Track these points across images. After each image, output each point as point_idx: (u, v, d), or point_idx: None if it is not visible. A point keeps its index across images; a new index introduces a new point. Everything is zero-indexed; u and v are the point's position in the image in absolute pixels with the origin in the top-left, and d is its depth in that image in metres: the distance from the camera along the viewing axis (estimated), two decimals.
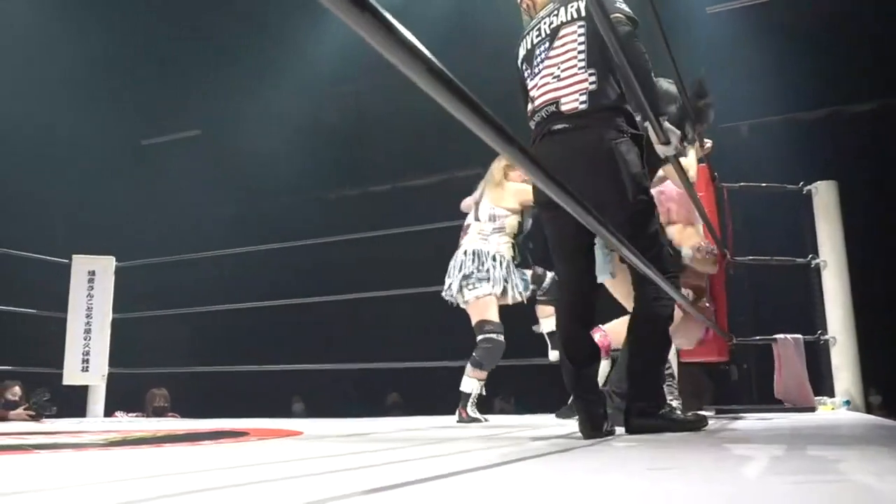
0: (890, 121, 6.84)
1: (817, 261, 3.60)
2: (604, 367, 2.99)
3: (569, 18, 2.11)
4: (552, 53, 2.11)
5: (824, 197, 3.65)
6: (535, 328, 3.53)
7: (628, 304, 2.82)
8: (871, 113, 6.96)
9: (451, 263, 3.45)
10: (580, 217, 1.17)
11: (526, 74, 2.21)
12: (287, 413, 7.12)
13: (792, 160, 5.85)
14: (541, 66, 2.14)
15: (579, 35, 2.08)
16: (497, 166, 3.47)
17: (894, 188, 6.53)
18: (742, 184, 3.70)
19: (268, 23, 7.07)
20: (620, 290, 2.63)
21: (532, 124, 2.17)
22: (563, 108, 2.05)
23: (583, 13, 2.10)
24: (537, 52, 2.16)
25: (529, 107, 2.18)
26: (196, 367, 5.56)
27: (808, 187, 3.70)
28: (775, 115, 7.16)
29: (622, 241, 1.39)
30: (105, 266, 4.79)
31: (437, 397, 6.26)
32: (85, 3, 6.88)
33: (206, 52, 7.62)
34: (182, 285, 6.58)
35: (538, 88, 2.13)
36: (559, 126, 2.06)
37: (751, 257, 3.80)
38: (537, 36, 2.18)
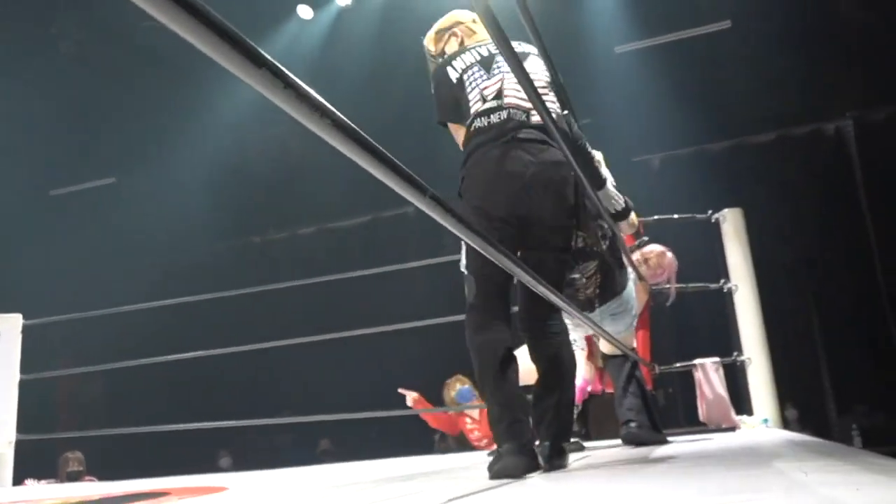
0: (789, 149, 7.29)
1: (729, 285, 3.76)
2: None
3: (529, 52, 2.13)
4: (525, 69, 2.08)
5: (732, 224, 3.82)
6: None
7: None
8: (772, 143, 7.40)
9: None
10: (496, 259, 1.19)
11: (476, 76, 2.09)
12: (214, 468, 6.84)
13: (701, 189, 6.14)
14: (503, 71, 2.05)
15: (542, 67, 2.12)
16: None
17: (796, 212, 6.94)
18: (656, 217, 3.85)
19: (185, 66, 6.95)
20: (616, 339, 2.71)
21: (483, 122, 2.02)
22: (534, 118, 1.99)
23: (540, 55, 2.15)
24: (499, 58, 2.08)
25: (479, 104, 2.05)
26: (110, 430, 5.27)
27: (716, 215, 3.87)
28: (684, 148, 7.52)
29: (540, 281, 1.41)
30: (11, 325, 4.52)
31: (370, 440, 6.17)
32: None
33: (119, 96, 7.41)
34: (97, 342, 6.28)
35: (505, 89, 2.04)
36: (529, 135, 1.98)
37: (666, 284, 3.93)
38: (495, 49, 2.11)
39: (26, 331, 4.58)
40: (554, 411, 1.97)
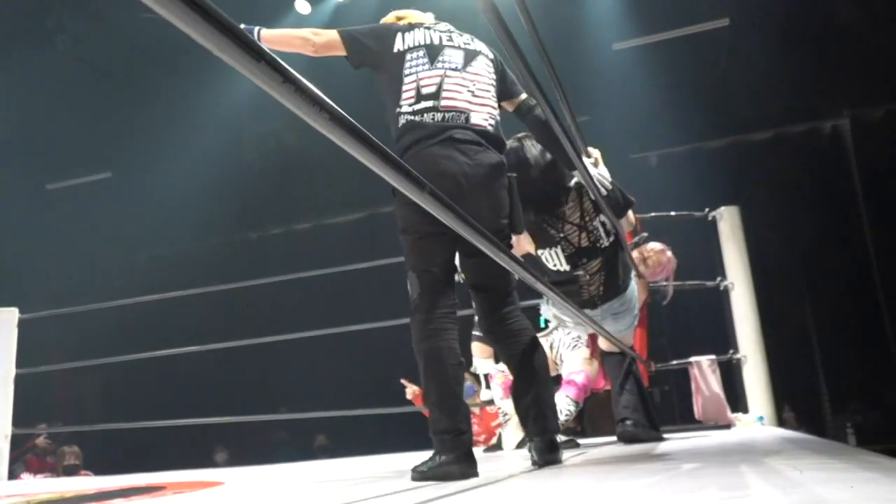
0: (786, 147, 7.30)
1: (725, 283, 3.77)
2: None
3: (480, 50, 2.12)
4: (470, 70, 2.06)
5: (728, 222, 3.82)
6: (471, 369, 3.52)
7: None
8: (769, 140, 7.42)
9: None
10: (495, 256, 1.19)
11: (419, 62, 2.04)
12: (210, 463, 6.84)
13: (698, 187, 6.15)
14: (447, 68, 2.03)
15: (488, 69, 2.10)
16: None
17: (793, 210, 6.95)
18: (653, 214, 3.85)
19: (182, 61, 6.93)
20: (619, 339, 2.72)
21: (417, 118, 1.97)
22: (472, 121, 1.98)
23: (489, 55, 2.15)
24: (447, 51, 2.06)
25: (413, 100, 1.99)
26: (107, 425, 5.27)
27: (713, 213, 3.88)
28: (682, 145, 7.53)
29: (539, 278, 1.41)
30: (7, 318, 4.51)
31: (366, 437, 6.16)
32: None
33: (115, 91, 7.38)
34: (93, 336, 6.28)
35: (444, 89, 2.00)
36: (465, 136, 1.96)
37: (664, 282, 3.94)
38: (448, 40, 2.10)
39: (22, 325, 4.57)
40: (536, 407, 1.97)
